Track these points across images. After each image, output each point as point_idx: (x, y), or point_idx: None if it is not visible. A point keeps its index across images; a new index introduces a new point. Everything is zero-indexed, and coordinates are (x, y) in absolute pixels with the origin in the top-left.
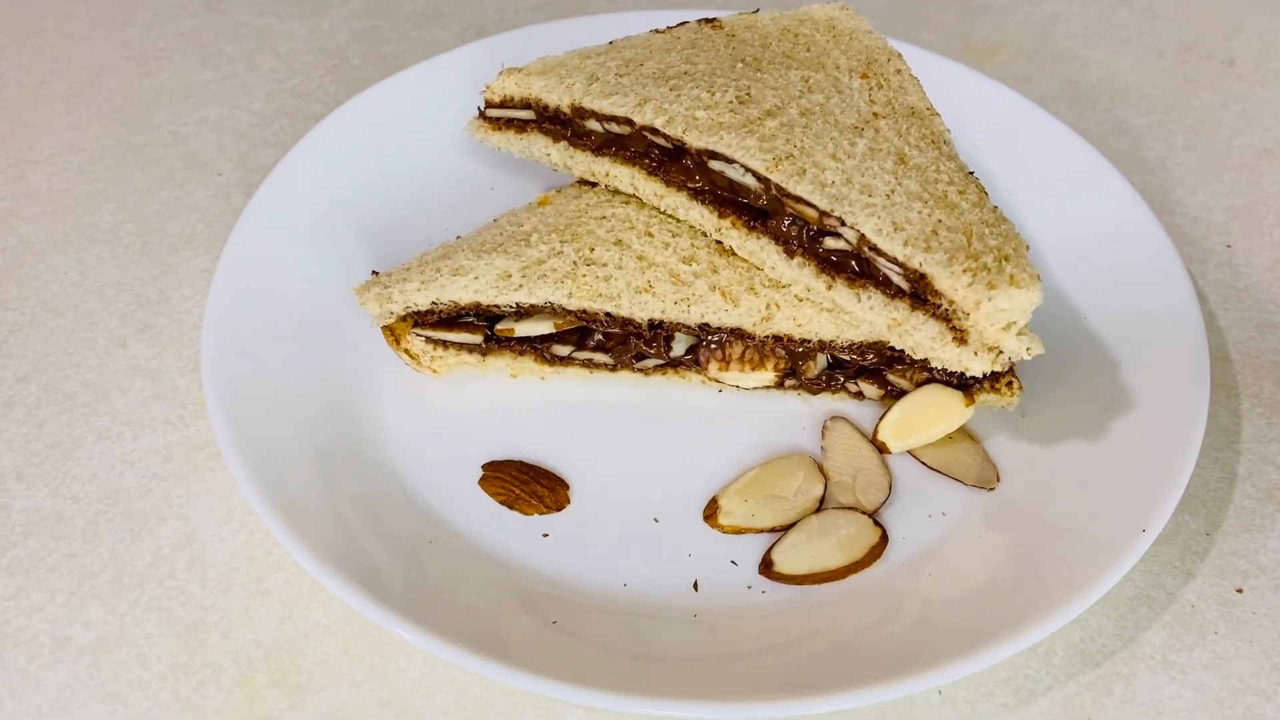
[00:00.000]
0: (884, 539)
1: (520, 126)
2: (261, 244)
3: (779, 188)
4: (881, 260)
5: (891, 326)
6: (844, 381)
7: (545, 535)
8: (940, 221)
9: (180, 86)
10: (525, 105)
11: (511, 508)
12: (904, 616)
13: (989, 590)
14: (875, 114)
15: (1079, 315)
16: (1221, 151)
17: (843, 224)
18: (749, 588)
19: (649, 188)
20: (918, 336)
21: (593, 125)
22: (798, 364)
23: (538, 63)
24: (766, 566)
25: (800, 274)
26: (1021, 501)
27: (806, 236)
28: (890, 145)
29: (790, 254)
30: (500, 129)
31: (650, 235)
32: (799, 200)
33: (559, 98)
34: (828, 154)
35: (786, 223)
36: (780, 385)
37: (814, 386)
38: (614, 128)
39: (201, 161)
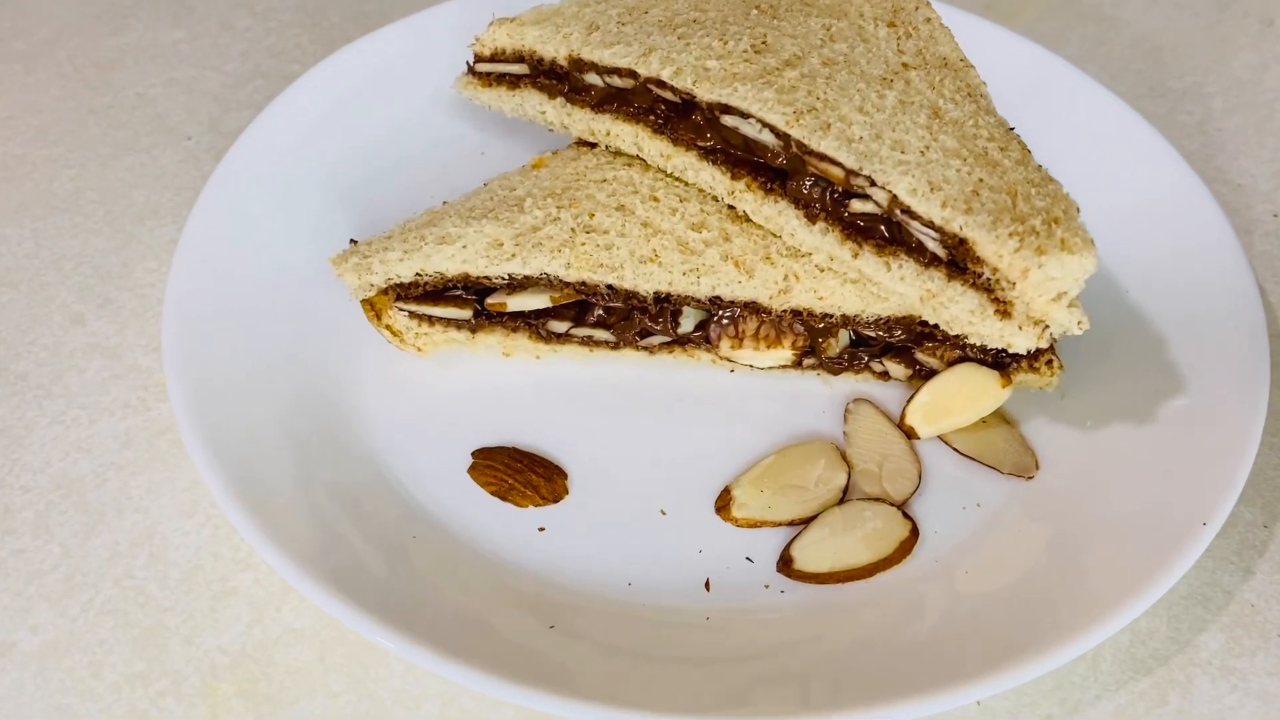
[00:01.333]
0: (914, 533)
1: (512, 82)
2: (231, 212)
3: (800, 145)
4: (915, 224)
5: (925, 299)
6: (868, 360)
7: (541, 529)
8: (981, 181)
9: (148, 46)
10: (518, 58)
11: (504, 499)
12: (937, 620)
13: (1031, 591)
14: (905, 65)
15: (1120, 289)
16: (1265, 115)
17: (872, 184)
18: (766, 587)
19: (654, 147)
20: (955, 310)
21: (592, 79)
22: (817, 341)
23: (532, 12)
24: (785, 564)
25: (823, 241)
26: (1063, 491)
27: (830, 199)
28: (923, 98)
29: (812, 219)
30: (491, 85)
31: (656, 200)
32: (823, 158)
33: (555, 49)
34: (854, 107)
35: (808, 184)
36: (798, 365)
37: (835, 366)
38: (616, 81)
39: (169, 125)
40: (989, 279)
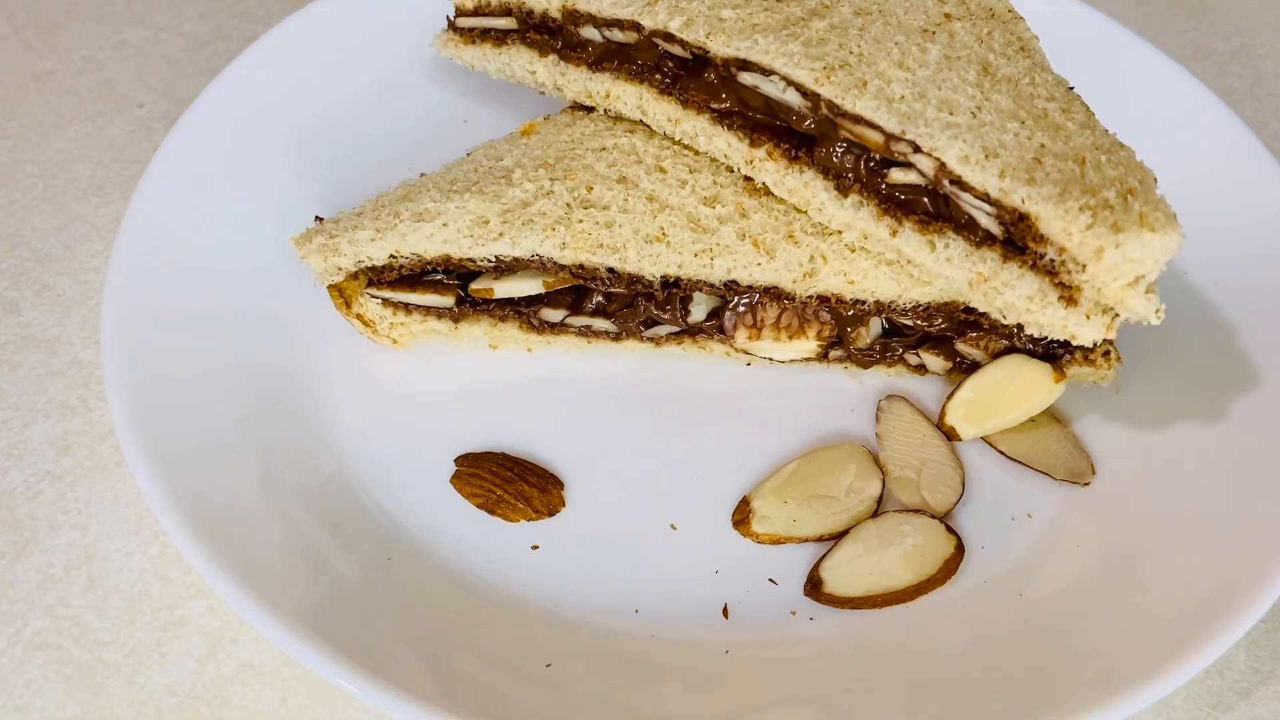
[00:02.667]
0: (959, 549)
1: (499, 38)
2: (183, 188)
3: (832, 105)
4: (967, 197)
5: (974, 283)
6: (902, 352)
7: (534, 548)
8: (1043, 146)
9: (96, 4)
10: (505, 11)
11: (492, 513)
12: (990, 654)
13: (1096, 618)
14: (947, 15)
15: (1178, 269)
16: None
17: (916, 150)
18: (793, 614)
19: (661, 111)
20: (1010, 296)
21: (589, 33)
22: (846, 331)
23: None
24: (814, 586)
25: (856, 217)
26: (1124, 500)
27: (865, 168)
28: (970, 52)
29: (844, 191)
30: (474, 42)
31: (662, 171)
32: (859, 121)
33: (548, 0)
34: (893, 62)
35: (839, 151)
36: (823, 357)
37: (865, 358)
38: (617, 35)
39: (119, 92)
40: (1053, 260)
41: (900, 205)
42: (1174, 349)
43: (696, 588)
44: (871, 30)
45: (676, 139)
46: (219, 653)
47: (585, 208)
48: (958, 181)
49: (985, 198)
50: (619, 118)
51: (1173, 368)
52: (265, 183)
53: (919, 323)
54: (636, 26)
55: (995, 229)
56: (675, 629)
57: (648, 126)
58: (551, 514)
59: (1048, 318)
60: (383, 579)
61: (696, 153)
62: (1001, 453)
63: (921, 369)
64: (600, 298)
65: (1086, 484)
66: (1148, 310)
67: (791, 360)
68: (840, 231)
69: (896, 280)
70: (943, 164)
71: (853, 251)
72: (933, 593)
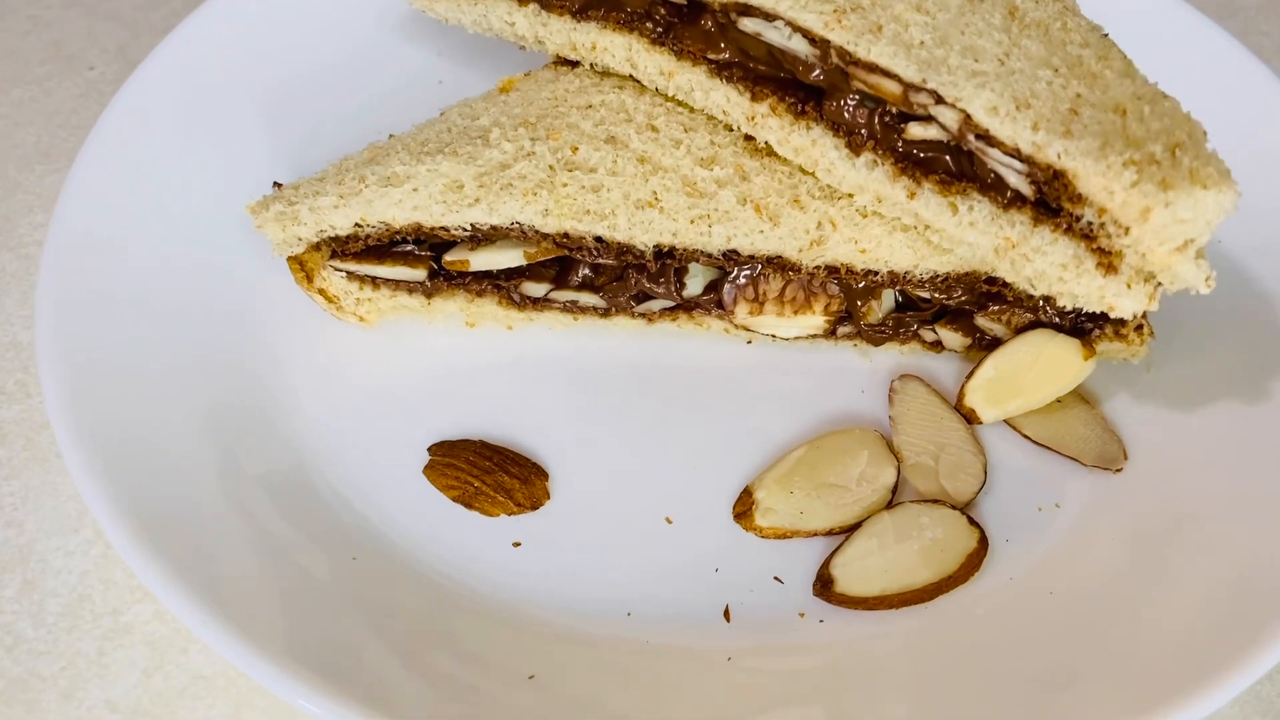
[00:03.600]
0: (983, 543)
1: None
2: (130, 154)
3: (843, 53)
4: (994, 154)
5: (1001, 250)
6: (917, 328)
7: (516, 545)
8: (1080, 96)
9: None
10: None
11: (470, 506)
12: (1019, 660)
13: (1134, 620)
14: None
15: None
16: None
17: (938, 102)
18: (801, 616)
19: (652, 63)
20: (1041, 263)
21: None
22: (856, 305)
23: None
24: (824, 585)
25: (869, 178)
26: (1159, 487)
27: (880, 124)
28: None
29: (856, 149)
30: None
31: (654, 130)
32: (873, 70)
33: None
34: (910, 5)
35: (851, 105)
36: (831, 333)
37: (876, 335)
38: None
39: (68, 53)
40: (1091, 223)
41: (919, 164)
42: (1209, 322)
43: (695, 588)
44: None
45: (670, 95)
46: (167, 664)
47: (570, 170)
48: (984, 136)
49: (1016, 154)
50: (606, 73)
51: (1208, 343)
52: (221, 150)
53: (936, 295)
54: None
55: (1026, 189)
56: (672, 634)
57: (638, 82)
58: (534, 507)
59: (1083, 288)
60: (348, 583)
61: (692, 110)
62: (1026, 437)
63: (938, 346)
64: (587, 270)
65: (1119, 470)
66: (1197, 278)
67: (796, 337)
68: (851, 195)
69: (913, 248)
70: (968, 116)
71: (864, 217)
72: (954, 591)
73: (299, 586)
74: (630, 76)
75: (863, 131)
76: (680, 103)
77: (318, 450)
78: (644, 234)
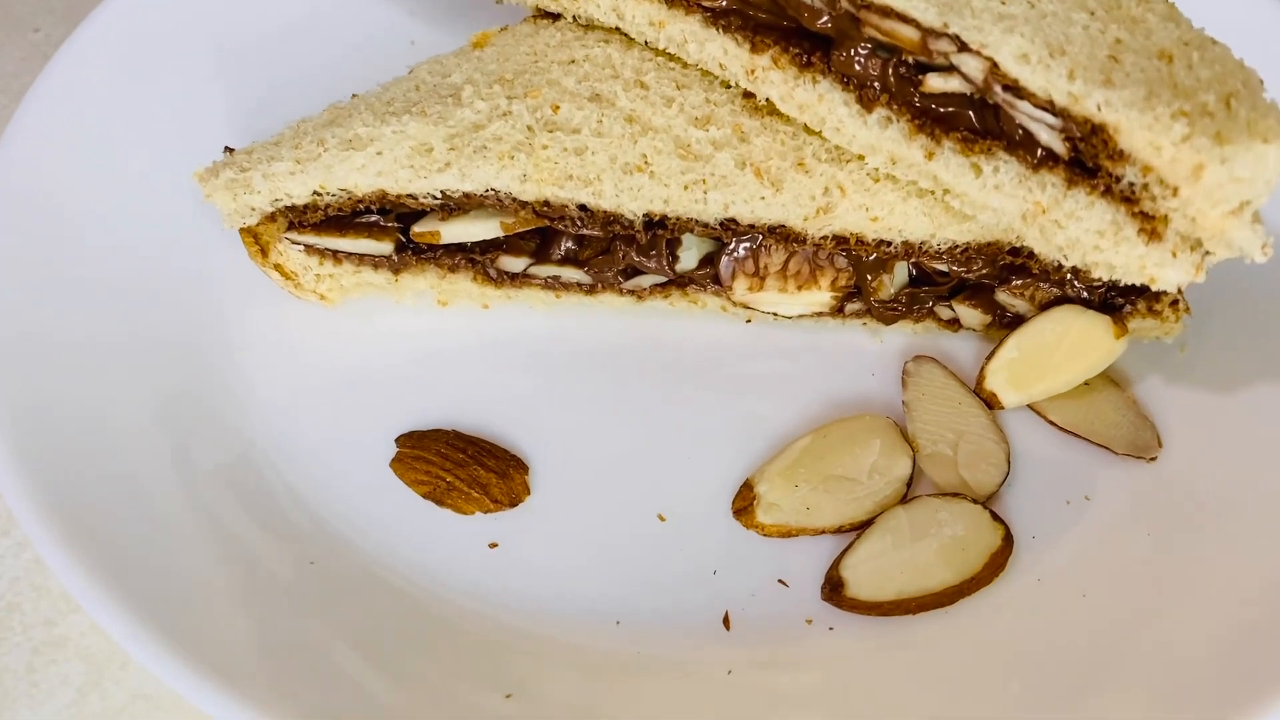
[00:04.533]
0: (1008, 541)
1: None
2: (70, 116)
3: None
4: (1023, 107)
5: (1030, 216)
6: (932, 304)
7: (493, 546)
8: (1120, 42)
9: None
10: None
11: (441, 504)
12: (1050, 669)
13: (1177, 623)
14: None
15: None
16: None
17: (961, 49)
18: (808, 623)
19: (642, 11)
20: (1075, 230)
21: None
22: (865, 279)
23: None
24: (834, 589)
25: (883, 137)
26: (1199, 478)
27: (895, 76)
28: None
29: (868, 105)
30: None
31: (643, 87)
32: (888, 13)
33: None
34: None
35: (863, 55)
36: (838, 311)
37: (888, 312)
38: None
39: (13, 15)
40: (1133, 184)
41: (938, 120)
42: (1244, 297)
43: (691, 593)
44: None
45: (660, 49)
46: (105, 680)
47: (550, 131)
48: (1013, 88)
49: (1049, 106)
50: (590, 25)
51: (1245, 320)
52: (171, 113)
53: (954, 268)
54: None
55: (1059, 147)
56: (665, 644)
57: (625, 36)
58: (513, 504)
59: (1122, 257)
60: (305, 591)
61: (685, 65)
62: (1052, 423)
63: (955, 324)
64: (570, 243)
65: (1153, 459)
66: (1253, 244)
67: (800, 315)
68: (862, 157)
69: (929, 216)
70: (994, 65)
71: (876, 182)
72: (977, 594)
73: (250, 596)
74: (617, 30)
75: (875, 85)
76: (672, 58)
77: (273, 442)
78: (633, 201)
